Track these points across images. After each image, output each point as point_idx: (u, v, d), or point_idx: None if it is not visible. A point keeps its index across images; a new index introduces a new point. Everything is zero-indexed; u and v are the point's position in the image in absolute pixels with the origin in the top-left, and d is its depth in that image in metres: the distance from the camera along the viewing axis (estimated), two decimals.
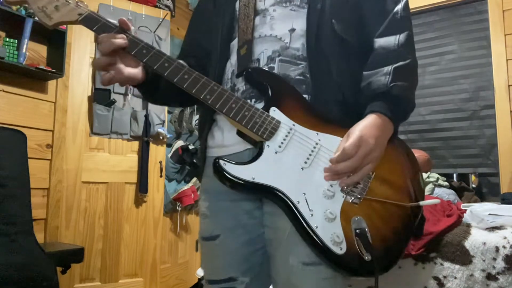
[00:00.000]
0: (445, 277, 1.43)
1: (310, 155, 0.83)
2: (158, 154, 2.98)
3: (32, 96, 2.36)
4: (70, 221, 2.53)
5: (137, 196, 2.85)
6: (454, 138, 2.78)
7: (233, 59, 0.97)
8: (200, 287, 2.80)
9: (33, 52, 2.37)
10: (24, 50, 2.19)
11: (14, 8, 2.17)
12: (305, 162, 0.83)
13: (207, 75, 0.98)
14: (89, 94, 2.68)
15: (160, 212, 2.96)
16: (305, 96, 0.89)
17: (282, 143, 0.83)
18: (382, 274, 0.78)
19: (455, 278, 1.41)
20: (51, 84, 2.46)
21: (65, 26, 2.38)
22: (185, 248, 3.31)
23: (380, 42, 0.90)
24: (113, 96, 2.72)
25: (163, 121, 2.98)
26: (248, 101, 0.90)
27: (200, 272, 2.93)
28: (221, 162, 0.82)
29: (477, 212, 1.58)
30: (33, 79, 2.35)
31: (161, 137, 2.96)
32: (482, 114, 2.69)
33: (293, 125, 0.85)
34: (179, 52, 1.15)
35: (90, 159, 2.67)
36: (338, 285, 0.82)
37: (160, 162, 2.98)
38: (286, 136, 0.84)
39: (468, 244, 1.43)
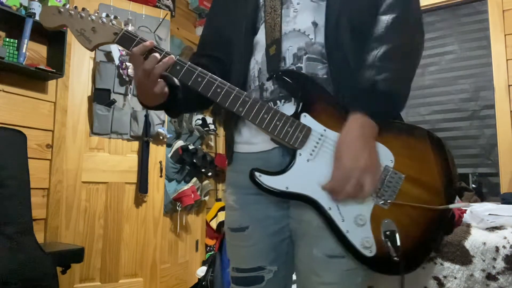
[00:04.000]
0: (445, 277, 1.43)
1: None
2: (158, 154, 2.98)
3: (32, 96, 2.36)
4: (70, 221, 2.53)
5: (137, 196, 2.85)
6: (454, 138, 2.77)
7: (258, 56, 0.96)
8: (200, 287, 2.79)
9: (33, 52, 2.37)
10: (24, 50, 2.19)
11: (14, 8, 2.17)
12: None
13: (229, 70, 0.99)
14: (89, 94, 2.69)
15: (160, 212, 2.96)
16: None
17: (313, 150, 0.85)
18: (410, 272, 0.82)
19: (455, 278, 1.41)
20: (51, 84, 2.46)
21: None
22: (185, 248, 3.31)
23: (376, 21, 0.89)
24: (113, 96, 2.72)
25: (163, 121, 2.98)
26: (278, 101, 0.91)
27: (200, 272, 2.93)
28: (257, 174, 0.85)
29: (477, 212, 1.57)
30: (33, 79, 2.35)
31: (161, 137, 2.96)
32: (482, 114, 2.69)
33: (324, 130, 0.86)
34: (197, 45, 1.13)
35: (90, 159, 2.67)
36: (359, 276, 0.86)
37: (160, 162, 2.98)
38: (317, 143, 0.85)
39: (468, 244, 1.43)
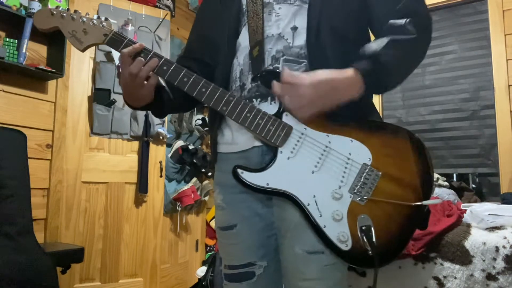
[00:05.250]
0: (445, 277, 1.43)
1: (320, 158, 0.87)
2: (158, 154, 2.98)
3: (32, 96, 2.36)
4: (70, 221, 2.53)
5: (137, 196, 2.85)
6: (454, 138, 2.77)
7: (240, 58, 0.99)
8: (200, 287, 2.79)
9: (33, 52, 2.37)
10: (24, 50, 2.19)
11: (14, 8, 2.17)
12: (315, 166, 0.87)
13: (214, 72, 1.03)
14: (89, 94, 2.68)
15: (160, 212, 2.96)
16: None
17: (294, 148, 0.88)
18: (384, 266, 0.84)
19: (455, 278, 1.41)
20: (51, 84, 2.46)
21: None
22: (185, 248, 3.31)
23: (390, 23, 0.91)
24: (113, 96, 2.72)
25: (163, 121, 2.98)
26: (253, 100, 0.94)
27: (200, 272, 2.93)
28: (239, 171, 0.88)
29: (477, 212, 1.58)
30: (33, 79, 2.35)
31: (161, 137, 2.96)
32: (482, 114, 2.69)
33: (305, 129, 0.89)
34: (184, 48, 1.17)
35: (90, 159, 2.67)
36: (338, 270, 0.89)
37: (160, 162, 2.98)
38: (298, 141, 0.88)
39: (468, 244, 1.43)
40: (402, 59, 0.88)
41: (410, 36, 0.88)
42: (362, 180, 0.86)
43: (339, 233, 0.84)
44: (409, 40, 0.88)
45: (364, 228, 0.83)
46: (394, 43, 0.87)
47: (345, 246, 0.84)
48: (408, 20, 0.89)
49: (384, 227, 0.85)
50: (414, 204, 0.86)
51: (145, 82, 0.92)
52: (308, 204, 0.86)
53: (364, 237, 0.82)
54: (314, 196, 0.86)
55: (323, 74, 0.85)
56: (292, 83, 0.85)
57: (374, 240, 0.81)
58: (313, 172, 0.87)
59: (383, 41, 0.87)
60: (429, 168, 0.90)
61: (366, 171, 0.87)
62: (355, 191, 0.86)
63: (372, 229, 0.82)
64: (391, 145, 0.90)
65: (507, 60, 2.57)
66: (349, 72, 0.85)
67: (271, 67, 0.94)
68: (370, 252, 0.81)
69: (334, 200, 0.86)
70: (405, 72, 0.94)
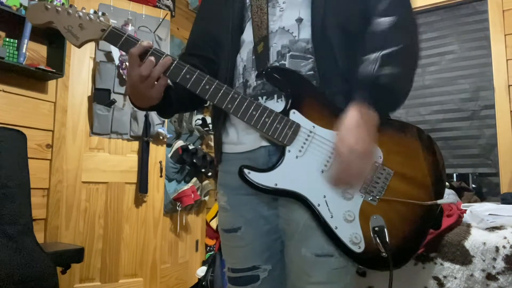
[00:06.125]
0: (445, 277, 1.43)
1: (329, 157, 0.84)
2: (158, 154, 2.98)
3: (32, 96, 2.36)
4: (70, 221, 2.53)
5: (137, 196, 2.85)
6: (454, 138, 2.77)
7: (244, 53, 0.96)
8: (200, 287, 2.79)
9: (33, 52, 2.37)
10: (24, 50, 2.19)
11: (14, 8, 2.17)
12: (325, 165, 0.84)
13: (218, 68, 0.99)
14: (89, 94, 2.68)
15: (160, 212, 2.96)
16: None
17: (302, 147, 0.85)
18: (399, 268, 0.82)
19: (455, 278, 1.41)
20: (51, 84, 2.46)
21: None
22: (185, 248, 3.31)
23: (374, 23, 0.88)
24: (113, 96, 2.72)
25: (163, 121, 2.98)
26: (259, 98, 0.91)
27: (200, 272, 2.93)
28: (246, 171, 0.85)
29: (477, 212, 1.57)
30: (33, 79, 2.35)
31: (161, 137, 2.96)
32: (482, 114, 2.69)
33: (313, 126, 0.86)
34: (186, 45, 1.13)
35: (90, 159, 2.67)
36: (348, 274, 0.87)
37: (160, 162, 2.98)
38: (306, 139, 0.85)
39: (468, 244, 1.43)
40: (399, 72, 0.84)
41: (397, 47, 0.84)
42: (373, 179, 0.83)
43: (352, 234, 0.81)
44: (398, 51, 0.84)
45: (377, 229, 0.80)
46: (386, 58, 0.82)
47: (358, 248, 0.81)
48: (392, 22, 0.85)
49: (397, 227, 0.82)
50: (428, 203, 0.84)
51: (156, 82, 0.88)
52: (319, 205, 0.83)
53: (377, 238, 0.79)
54: (325, 196, 0.83)
55: (350, 133, 0.79)
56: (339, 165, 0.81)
57: (387, 241, 0.79)
58: (322, 171, 0.84)
59: (375, 60, 0.83)
60: (440, 166, 0.87)
61: (378, 169, 0.84)
62: (367, 190, 0.83)
63: (386, 230, 0.80)
64: (401, 143, 0.87)
65: (507, 60, 2.57)
66: (359, 110, 0.80)
67: (276, 64, 0.90)
68: (384, 253, 0.79)
69: (345, 200, 0.83)
70: (407, 81, 0.89)
